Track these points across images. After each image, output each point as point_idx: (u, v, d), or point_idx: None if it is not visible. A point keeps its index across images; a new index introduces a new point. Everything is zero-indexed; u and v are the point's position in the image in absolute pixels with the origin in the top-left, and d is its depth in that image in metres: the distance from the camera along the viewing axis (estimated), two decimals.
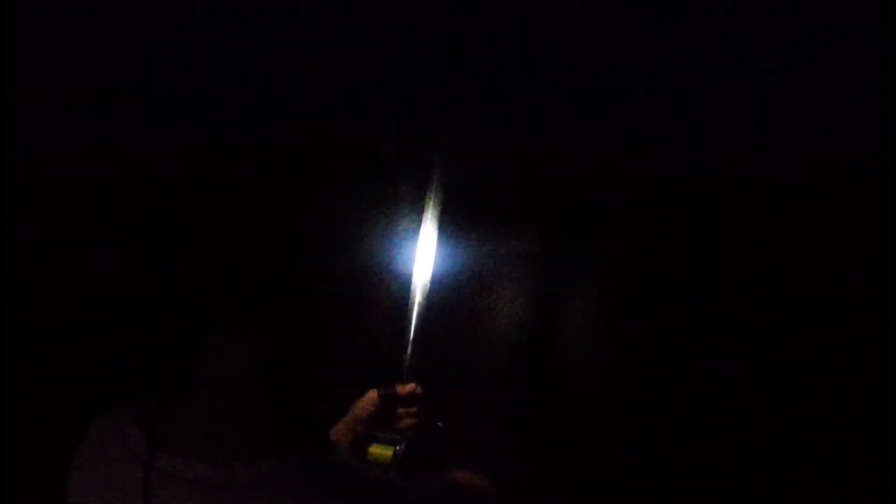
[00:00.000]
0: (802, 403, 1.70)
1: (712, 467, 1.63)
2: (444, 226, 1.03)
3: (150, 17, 1.52)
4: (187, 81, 1.51)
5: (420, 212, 1.00)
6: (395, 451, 0.95)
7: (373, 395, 1.00)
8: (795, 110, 1.65)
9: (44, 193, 1.58)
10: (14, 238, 1.58)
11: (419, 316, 1.05)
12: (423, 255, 1.02)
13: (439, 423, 0.99)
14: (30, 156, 1.59)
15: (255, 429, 0.62)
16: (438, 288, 1.06)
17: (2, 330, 1.63)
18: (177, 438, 0.63)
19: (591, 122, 1.56)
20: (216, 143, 0.64)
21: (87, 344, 1.58)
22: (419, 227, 1.00)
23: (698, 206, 1.61)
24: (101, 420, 0.71)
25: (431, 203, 1.00)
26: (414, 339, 1.05)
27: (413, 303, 1.05)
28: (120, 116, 1.58)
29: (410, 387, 1.01)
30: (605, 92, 1.60)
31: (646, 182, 1.63)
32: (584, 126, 1.55)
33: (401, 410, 1.01)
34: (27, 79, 1.60)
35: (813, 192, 1.66)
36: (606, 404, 1.64)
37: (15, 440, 1.60)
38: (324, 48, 1.37)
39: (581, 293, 1.63)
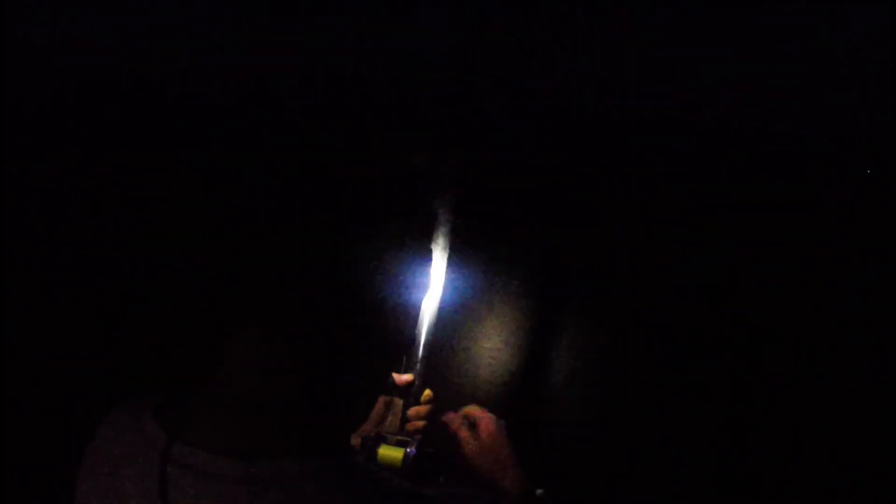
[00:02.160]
0: (801, 407, 1.72)
1: (708, 479, 1.65)
2: (455, 251, 1.04)
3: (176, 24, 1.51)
4: (228, 91, 1.51)
5: (432, 232, 1.01)
6: (405, 453, 0.95)
7: (380, 402, 1.01)
8: (792, 113, 1.66)
9: (80, 188, 1.57)
10: (33, 232, 1.58)
11: (428, 332, 1.06)
12: (435, 275, 1.03)
13: (430, 450, 0.99)
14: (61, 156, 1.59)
15: (276, 426, 0.62)
16: (447, 309, 1.07)
17: (16, 320, 1.64)
18: (196, 431, 0.63)
19: (585, 143, 1.56)
20: (257, 151, 0.66)
21: (102, 338, 1.58)
22: (431, 246, 1.01)
23: (700, 223, 1.62)
24: (115, 413, 0.71)
25: (442, 223, 1.02)
26: (421, 356, 1.06)
27: (423, 321, 1.06)
28: (159, 119, 1.57)
29: (407, 377, 1.02)
30: (608, 107, 1.60)
31: (641, 195, 1.64)
32: (582, 147, 1.55)
33: (410, 412, 1.02)
34: (33, 81, 1.60)
35: (810, 196, 1.66)
36: (605, 421, 1.66)
37: (26, 429, 1.60)
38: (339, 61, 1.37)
39: (578, 311, 1.64)
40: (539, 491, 0.97)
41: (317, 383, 0.64)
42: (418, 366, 1.06)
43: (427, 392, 1.05)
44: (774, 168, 1.68)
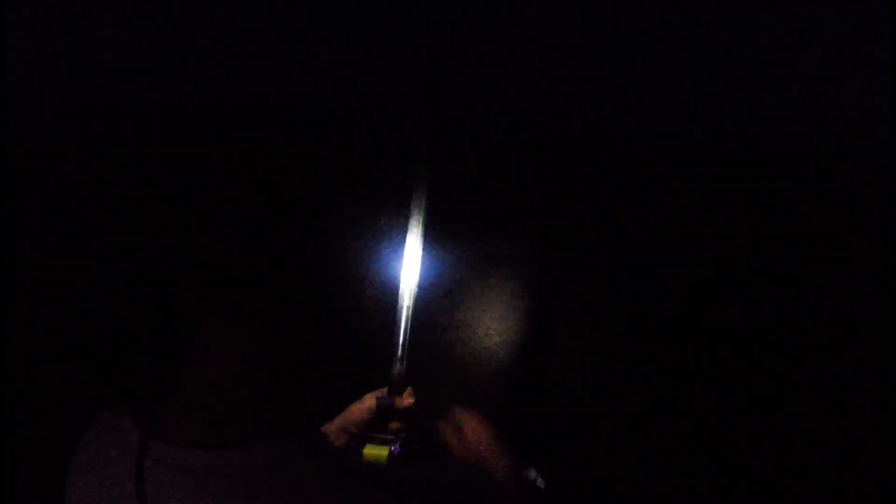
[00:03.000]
0: (799, 405, 1.69)
1: (703, 473, 1.62)
2: (430, 228, 1.02)
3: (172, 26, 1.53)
4: (191, 87, 1.52)
5: (406, 213, 1.00)
6: (390, 451, 0.95)
7: (371, 402, 1.00)
8: (790, 109, 1.64)
9: (46, 192, 1.59)
10: (12, 237, 1.59)
11: (407, 318, 1.04)
12: (411, 258, 1.01)
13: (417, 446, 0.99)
14: (31, 158, 1.61)
15: (246, 416, 0.63)
16: (426, 290, 1.05)
17: (1, 331, 1.64)
18: (171, 428, 0.64)
19: (575, 124, 1.55)
20: (221, 143, 0.66)
21: (85, 342, 1.59)
22: (406, 228, 1.00)
23: (685, 203, 1.61)
24: (99, 418, 0.72)
25: (417, 205, 1.00)
26: (403, 341, 1.04)
27: (402, 306, 1.04)
28: (128, 116, 1.59)
29: (409, 401, 1.02)
30: (591, 92, 1.59)
31: (633, 180, 1.62)
32: (570, 127, 1.54)
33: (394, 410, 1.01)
34: (31, 82, 1.61)
35: (806, 192, 1.65)
36: (595, 408, 1.64)
37: (15, 440, 1.61)
38: (310, 51, 1.37)
39: (567, 295, 1.62)
40: (532, 473, 0.96)
41: (283, 368, 0.65)
42: (399, 361, 1.05)
43: (408, 389, 1.04)
44: (771, 165, 1.67)
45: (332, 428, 0.99)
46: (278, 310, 0.63)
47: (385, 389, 1.03)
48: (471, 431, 0.96)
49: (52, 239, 1.63)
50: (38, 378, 1.65)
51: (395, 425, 1.01)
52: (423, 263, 1.04)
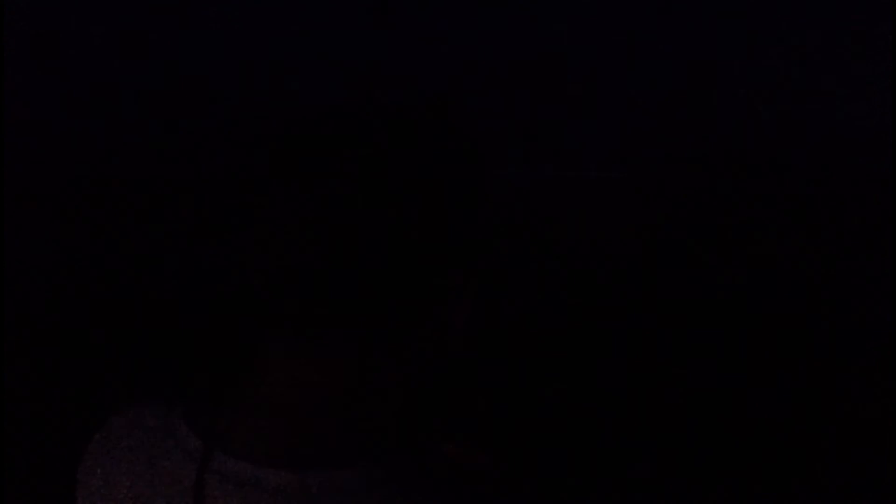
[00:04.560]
0: (797, 403, 1.73)
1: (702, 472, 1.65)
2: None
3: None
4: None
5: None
6: None
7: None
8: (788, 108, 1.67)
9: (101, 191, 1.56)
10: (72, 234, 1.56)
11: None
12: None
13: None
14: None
15: (328, 436, 0.58)
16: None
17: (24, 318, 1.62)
18: (240, 439, 0.58)
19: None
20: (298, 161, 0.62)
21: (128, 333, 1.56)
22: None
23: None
24: (133, 409, 0.66)
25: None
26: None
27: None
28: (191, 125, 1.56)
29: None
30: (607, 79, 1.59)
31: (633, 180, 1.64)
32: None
33: None
34: (41, 78, 1.58)
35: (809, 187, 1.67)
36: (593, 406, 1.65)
37: (32, 423, 1.58)
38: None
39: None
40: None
41: (365, 386, 0.60)
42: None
43: None
44: (770, 165, 1.69)
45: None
46: (357, 324, 0.58)
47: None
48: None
49: (119, 237, 1.60)
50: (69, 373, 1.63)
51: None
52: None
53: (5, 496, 1.59)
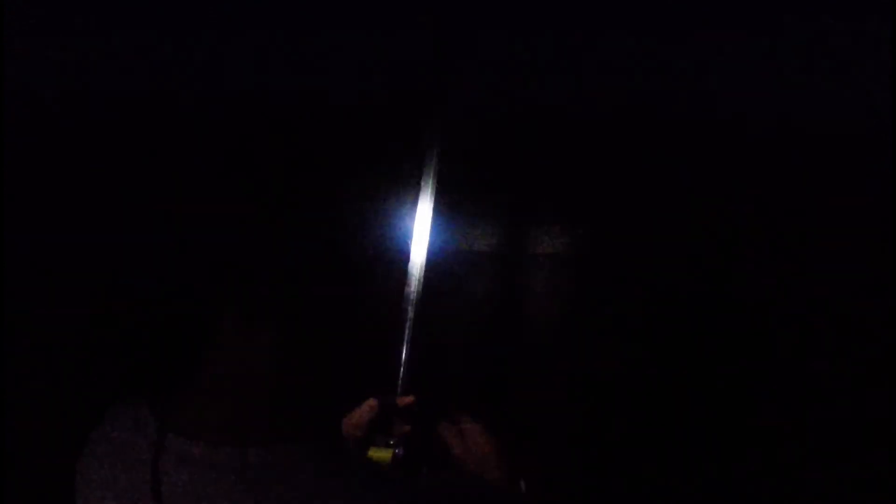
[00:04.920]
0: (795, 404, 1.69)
1: (693, 464, 1.62)
2: (439, 210, 1.02)
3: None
4: (185, 83, 1.53)
5: (416, 196, 0.99)
6: (394, 454, 0.96)
7: (372, 402, 1.01)
8: (788, 101, 1.65)
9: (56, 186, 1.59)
10: (20, 232, 1.59)
11: (416, 305, 1.04)
12: (419, 241, 1.00)
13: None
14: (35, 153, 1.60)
15: (267, 413, 0.61)
16: (433, 275, 1.05)
17: (8, 322, 1.64)
18: (189, 421, 0.62)
19: (578, 118, 1.55)
20: (227, 133, 0.66)
21: (97, 333, 1.58)
22: (415, 211, 0.99)
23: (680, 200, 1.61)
24: (114, 407, 0.70)
25: (428, 186, 0.99)
26: (412, 333, 1.04)
27: (410, 291, 1.03)
28: (134, 113, 1.59)
29: (409, 399, 1.02)
30: (599, 83, 1.59)
31: (631, 180, 1.63)
32: (573, 120, 1.54)
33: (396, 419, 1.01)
34: (36, 80, 1.61)
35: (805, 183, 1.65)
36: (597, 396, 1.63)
37: (26, 428, 1.60)
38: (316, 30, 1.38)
39: (567, 279, 1.62)
40: (522, 485, 0.97)
41: (306, 365, 0.63)
42: (406, 355, 1.05)
43: (412, 399, 1.04)
44: (769, 166, 1.68)
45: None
46: (301, 307, 0.61)
47: (390, 394, 1.04)
48: (472, 437, 0.96)
49: (71, 229, 1.63)
50: (51, 371, 1.64)
51: (400, 429, 1.01)
52: (431, 244, 1.03)
53: (5, 495, 1.61)
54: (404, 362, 1.05)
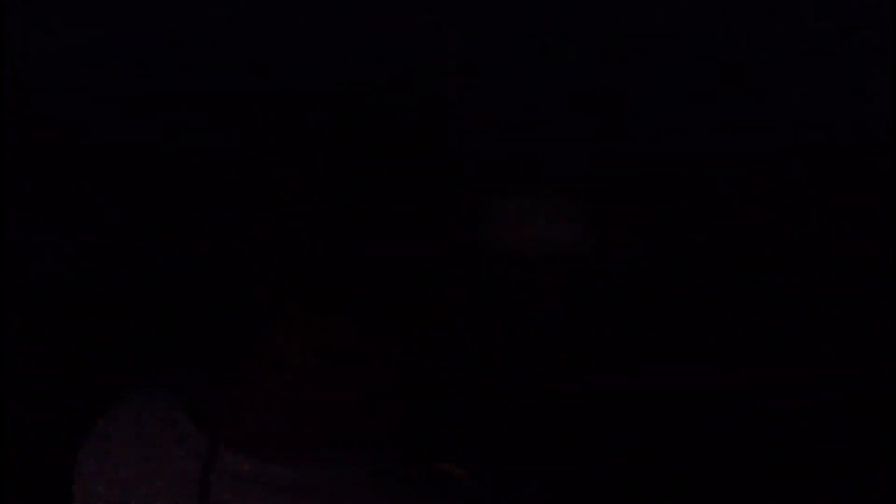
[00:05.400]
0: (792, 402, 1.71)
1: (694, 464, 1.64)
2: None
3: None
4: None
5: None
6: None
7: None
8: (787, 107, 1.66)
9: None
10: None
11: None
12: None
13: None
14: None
15: (325, 430, 0.59)
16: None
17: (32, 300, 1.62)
18: (237, 434, 0.59)
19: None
20: (296, 135, 0.63)
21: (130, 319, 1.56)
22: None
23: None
24: (134, 396, 0.66)
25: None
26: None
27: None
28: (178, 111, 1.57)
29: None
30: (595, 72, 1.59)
31: (632, 179, 1.63)
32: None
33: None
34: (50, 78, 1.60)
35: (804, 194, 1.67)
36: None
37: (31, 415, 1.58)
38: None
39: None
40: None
41: (369, 385, 0.61)
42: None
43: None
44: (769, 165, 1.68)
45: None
46: (362, 323, 0.59)
47: None
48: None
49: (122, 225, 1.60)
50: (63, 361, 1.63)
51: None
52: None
53: (5, 493, 1.60)
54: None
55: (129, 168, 1.61)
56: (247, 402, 0.60)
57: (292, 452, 0.57)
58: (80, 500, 0.66)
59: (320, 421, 0.59)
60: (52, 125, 1.70)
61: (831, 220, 1.72)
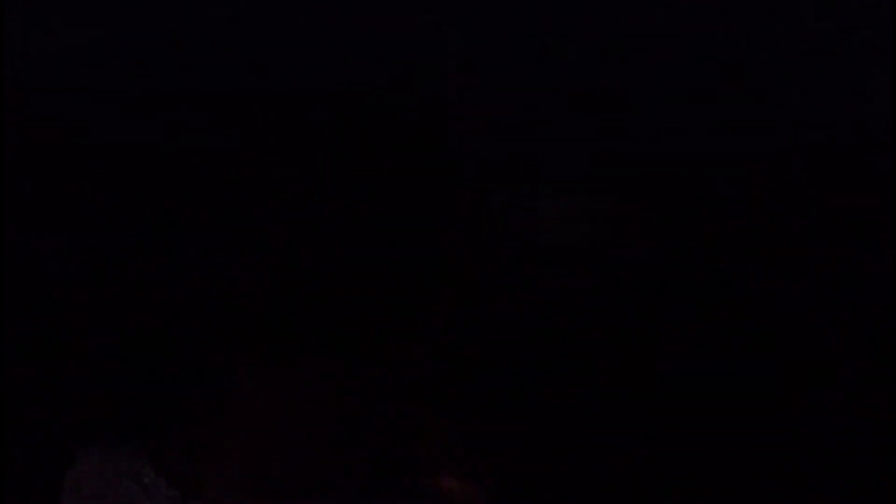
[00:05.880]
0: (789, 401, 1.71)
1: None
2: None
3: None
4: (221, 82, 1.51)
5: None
6: None
7: None
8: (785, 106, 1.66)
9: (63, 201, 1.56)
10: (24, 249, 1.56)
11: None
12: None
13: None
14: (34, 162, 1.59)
15: (296, 474, 0.56)
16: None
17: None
18: (206, 482, 0.57)
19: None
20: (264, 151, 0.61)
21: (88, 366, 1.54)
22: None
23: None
24: (96, 453, 0.63)
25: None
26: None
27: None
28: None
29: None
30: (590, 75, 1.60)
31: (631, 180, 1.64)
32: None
33: None
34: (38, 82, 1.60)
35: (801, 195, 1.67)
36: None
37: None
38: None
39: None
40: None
41: (338, 425, 0.58)
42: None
43: None
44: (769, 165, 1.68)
45: None
46: (344, 359, 0.55)
47: None
48: None
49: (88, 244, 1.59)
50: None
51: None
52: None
53: (4, 494, 1.60)
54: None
55: (129, 168, 1.61)
56: (213, 450, 0.59)
57: (269, 498, 0.55)
58: None
59: (293, 464, 0.57)
60: (52, 125, 1.70)
61: (831, 220, 1.72)
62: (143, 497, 0.58)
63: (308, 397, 0.56)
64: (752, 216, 1.75)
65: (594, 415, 1.80)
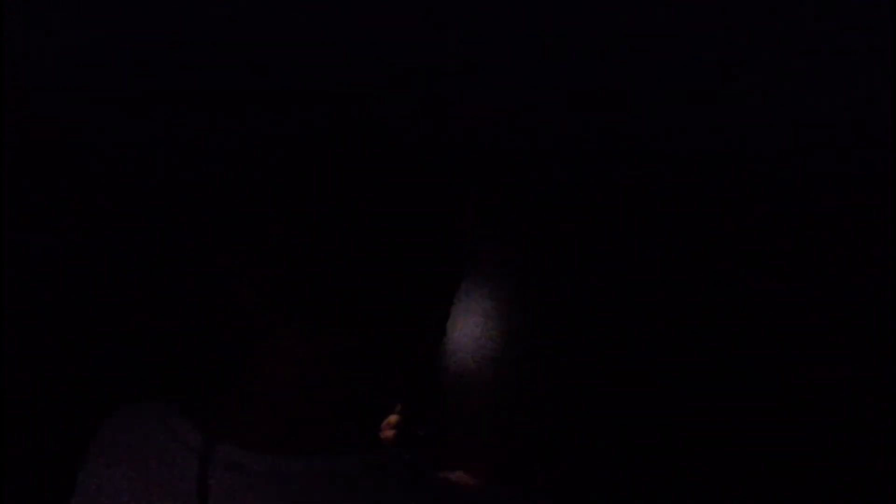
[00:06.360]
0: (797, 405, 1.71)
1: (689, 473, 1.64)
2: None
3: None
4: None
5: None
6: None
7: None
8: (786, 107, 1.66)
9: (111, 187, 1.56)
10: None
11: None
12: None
13: (420, 433, 0.98)
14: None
15: (312, 422, 0.59)
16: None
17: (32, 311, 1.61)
18: (230, 428, 0.59)
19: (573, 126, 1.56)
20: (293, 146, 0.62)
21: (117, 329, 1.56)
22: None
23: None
24: (127, 410, 0.66)
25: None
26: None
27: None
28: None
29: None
30: (594, 95, 1.60)
31: (631, 181, 1.64)
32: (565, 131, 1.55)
33: (384, 423, 1.00)
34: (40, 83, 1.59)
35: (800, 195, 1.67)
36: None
37: (26, 424, 1.57)
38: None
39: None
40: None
41: (353, 379, 0.61)
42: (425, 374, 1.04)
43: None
44: (769, 165, 1.69)
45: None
46: (350, 322, 0.59)
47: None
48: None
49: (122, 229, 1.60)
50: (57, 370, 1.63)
51: (386, 434, 0.99)
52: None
53: (5, 497, 1.59)
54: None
55: (129, 168, 1.61)
56: (238, 398, 0.61)
57: (297, 446, 0.57)
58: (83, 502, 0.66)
59: (324, 417, 0.59)
60: (52, 125, 1.70)
61: (831, 220, 1.73)
62: (173, 443, 0.60)
63: (323, 360, 0.59)
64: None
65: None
